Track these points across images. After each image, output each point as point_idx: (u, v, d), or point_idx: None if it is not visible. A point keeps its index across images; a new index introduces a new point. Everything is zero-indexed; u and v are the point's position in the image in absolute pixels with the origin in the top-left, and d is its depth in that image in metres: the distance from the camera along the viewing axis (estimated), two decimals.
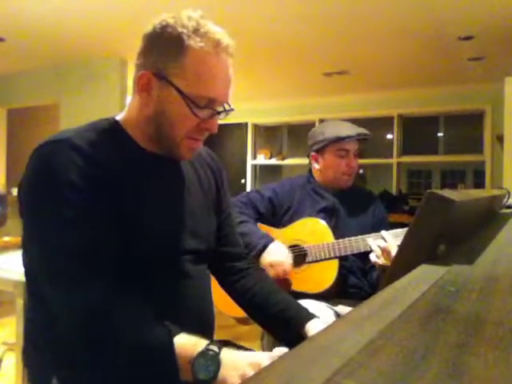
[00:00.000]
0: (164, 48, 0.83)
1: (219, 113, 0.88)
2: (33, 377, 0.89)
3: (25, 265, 0.88)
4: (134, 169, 0.87)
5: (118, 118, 0.92)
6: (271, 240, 1.57)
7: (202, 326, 0.93)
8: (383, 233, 1.50)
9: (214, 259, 1.05)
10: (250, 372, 0.69)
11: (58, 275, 0.75)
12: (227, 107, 0.90)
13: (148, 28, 0.86)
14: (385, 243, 1.48)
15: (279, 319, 1.01)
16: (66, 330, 0.75)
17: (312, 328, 0.97)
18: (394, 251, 1.45)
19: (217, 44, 0.84)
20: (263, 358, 0.73)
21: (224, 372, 0.69)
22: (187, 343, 0.72)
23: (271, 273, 1.53)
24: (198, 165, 1.03)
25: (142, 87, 0.86)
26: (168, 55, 0.83)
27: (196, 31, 0.83)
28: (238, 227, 1.55)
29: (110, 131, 0.88)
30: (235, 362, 0.71)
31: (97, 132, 0.85)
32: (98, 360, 0.73)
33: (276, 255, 1.54)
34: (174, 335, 0.72)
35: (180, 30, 0.82)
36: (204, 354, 0.70)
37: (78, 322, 0.73)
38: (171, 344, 0.71)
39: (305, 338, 0.94)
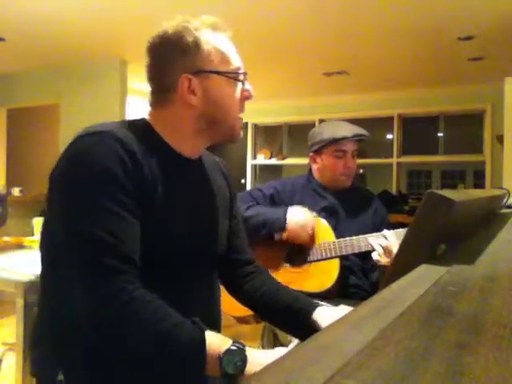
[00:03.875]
0: (183, 48, 0.90)
1: (245, 74, 0.96)
2: (37, 371, 0.89)
3: (43, 255, 0.88)
4: (164, 168, 0.88)
5: (148, 119, 0.95)
6: (286, 209, 1.61)
7: (211, 326, 0.94)
8: (385, 232, 1.51)
9: (223, 265, 1.07)
10: None
11: (88, 264, 0.74)
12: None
13: (156, 38, 0.92)
14: (387, 242, 1.48)
15: (288, 313, 1.03)
16: (92, 318, 0.74)
17: (319, 315, 0.99)
18: (395, 250, 1.45)
19: (214, 25, 0.94)
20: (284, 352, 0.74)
21: (250, 367, 0.74)
22: (214, 340, 0.75)
23: (302, 235, 1.59)
24: (213, 170, 1.06)
25: (188, 91, 0.90)
26: (189, 52, 0.90)
27: (198, 24, 0.92)
28: (247, 212, 1.60)
29: (144, 130, 0.91)
30: (259, 358, 0.75)
31: (132, 130, 0.88)
32: (123, 350, 0.75)
33: (300, 217, 1.60)
34: (204, 331, 0.75)
35: (190, 28, 0.91)
36: (231, 350, 0.74)
37: (105, 312, 0.73)
38: (203, 340, 0.73)
39: (313, 327, 0.96)
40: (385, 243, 1.48)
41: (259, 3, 3.07)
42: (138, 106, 4.74)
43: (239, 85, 0.94)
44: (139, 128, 0.90)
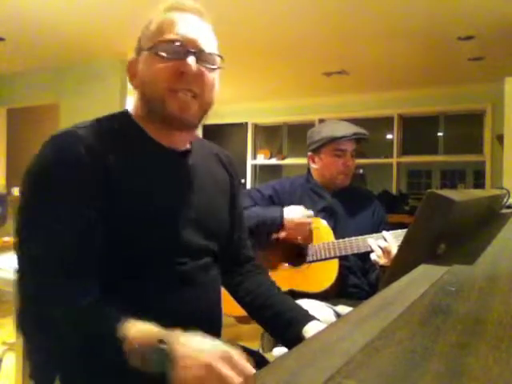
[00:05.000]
0: (141, 33, 0.90)
1: (190, 53, 0.84)
2: (36, 376, 0.88)
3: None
4: (140, 159, 0.86)
5: (129, 109, 0.93)
6: (282, 208, 1.62)
7: (207, 331, 0.91)
8: (384, 233, 1.51)
9: (223, 261, 1.04)
10: (211, 359, 0.64)
11: (36, 272, 0.75)
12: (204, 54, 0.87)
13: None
14: (385, 243, 1.48)
15: (279, 320, 1.01)
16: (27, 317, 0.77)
17: (311, 329, 0.96)
18: (394, 251, 1.45)
19: (171, 6, 0.89)
20: (221, 347, 0.67)
21: (180, 362, 0.64)
22: (140, 334, 0.67)
23: (299, 233, 1.61)
24: (214, 163, 1.02)
25: (131, 77, 0.90)
26: (141, 34, 0.89)
27: (160, 8, 0.89)
28: (245, 211, 1.59)
29: (122, 122, 0.89)
30: (191, 352, 0.65)
31: (109, 123, 0.86)
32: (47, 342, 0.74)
33: (296, 215, 1.60)
34: (123, 323, 0.68)
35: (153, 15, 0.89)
36: (157, 348, 0.65)
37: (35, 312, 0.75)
38: (121, 336, 0.67)
39: (303, 339, 0.91)
40: (384, 244, 1.48)
41: (259, 3, 3.07)
42: None
43: (168, 53, 0.84)
44: (118, 120, 0.88)
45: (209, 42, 0.89)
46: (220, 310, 1.01)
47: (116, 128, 0.86)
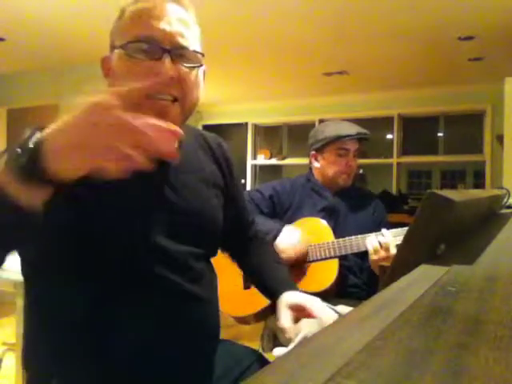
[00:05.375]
0: (112, 27, 0.82)
1: (165, 51, 0.74)
2: (31, 379, 0.86)
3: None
4: None
5: None
6: (281, 228, 1.59)
7: (205, 343, 0.88)
8: (383, 230, 1.52)
9: (224, 245, 1.05)
10: None
11: None
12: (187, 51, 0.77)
13: None
14: (384, 239, 1.49)
15: (266, 290, 1.04)
16: None
17: (281, 299, 0.95)
18: (392, 249, 1.46)
19: None
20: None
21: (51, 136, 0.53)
22: None
23: (284, 257, 1.54)
24: (201, 155, 0.93)
25: (105, 74, 0.83)
26: (112, 29, 0.82)
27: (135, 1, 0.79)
28: None
29: None
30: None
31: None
32: None
33: (287, 241, 1.56)
34: None
35: (123, 7, 0.81)
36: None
37: None
38: None
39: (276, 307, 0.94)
40: (383, 240, 1.49)
41: (259, 3, 3.07)
42: None
43: (139, 53, 0.74)
44: None
45: (189, 36, 0.79)
46: (217, 311, 0.95)
47: None
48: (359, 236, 1.56)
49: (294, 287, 0.99)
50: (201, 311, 0.86)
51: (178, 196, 0.84)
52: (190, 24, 0.80)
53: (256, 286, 1.09)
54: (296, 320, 0.90)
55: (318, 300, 0.93)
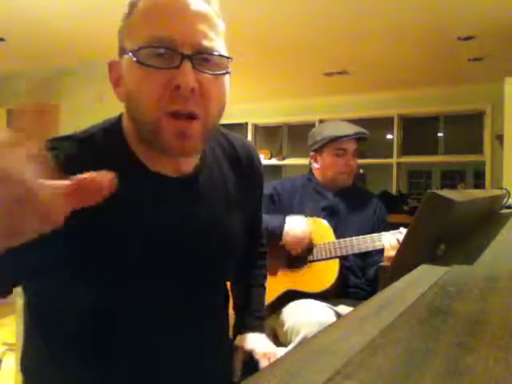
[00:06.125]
0: (120, 27, 0.70)
1: (185, 57, 0.63)
2: (29, 382, 0.84)
3: None
4: (121, 187, 0.66)
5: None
6: (284, 219, 1.60)
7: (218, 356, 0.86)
8: (401, 229, 1.53)
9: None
10: None
11: None
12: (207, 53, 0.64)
13: None
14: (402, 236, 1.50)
15: (235, 313, 1.01)
16: None
17: (239, 341, 0.95)
18: None
19: None
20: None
21: None
22: None
23: (299, 247, 1.57)
24: (227, 168, 0.83)
25: (114, 84, 0.71)
26: (121, 29, 0.69)
27: None
28: None
29: (111, 138, 0.71)
30: None
31: (97, 138, 0.70)
32: None
33: (297, 230, 1.57)
34: None
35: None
36: None
37: None
38: None
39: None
40: (401, 237, 1.50)
41: (259, 3, 3.07)
42: None
43: (157, 61, 0.63)
44: (108, 136, 0.71)
45: (214, 36, 0.66)
46: (228, 343, 0.95)
47: (102, 148, 0.69)
48: (360, 237, 1.57)
49: (257, 328, 0.98)
50: (212, 347, 0.84)
51: (206, 241, 0.77)
52: (214, 20, 0.67)
53: (233, 306, 1.04)
54: (246, 362, 0.91)
55: (268, 348, 0.94)
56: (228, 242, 0.81)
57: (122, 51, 0.68)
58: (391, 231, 1.55)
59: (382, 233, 1.56)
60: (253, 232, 0.96)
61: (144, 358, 0.74)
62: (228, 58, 0.68)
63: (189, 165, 0.74)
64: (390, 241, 1.51)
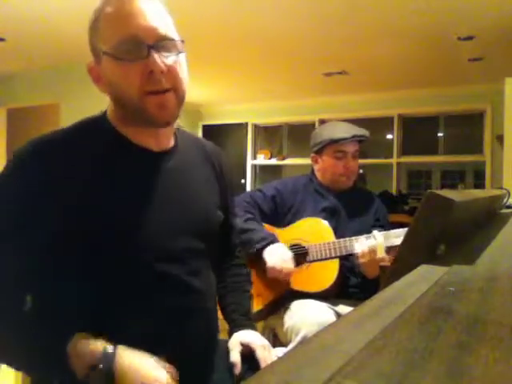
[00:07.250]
0: (90, 32, 0.84)
1: (151, 48, 0.79)
2: (34, 379, 0.87)
3: None
4: (113, 166, 0.84)
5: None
6: (272, 241, 1.57)
7: (204, 339, 0.90)
8: (375, 232, 1.52)
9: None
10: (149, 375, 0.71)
11: None
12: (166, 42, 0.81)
13: None
14: (373, 241, 1.49)
15: (226, 317, 1.07)
16: None
17: (236, 337, 1.00)
18: (380, 250, 1.46)
19: None
20: (155, 366, 0.73)
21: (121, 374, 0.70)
22: (81, 351, 0.71)
23: (270, 275, 1.54)
24: (199, 158, 0.98)
25: (95, 81, 0.86)
26: (92, 34, 0.84)
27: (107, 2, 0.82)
28: (243, 224, 1.57)
29: (97, 126, 0.87)
30: (132, 370, 0.71)
31: (78, 128, 0.86)
32: None
33: (275, 258, 1.54)
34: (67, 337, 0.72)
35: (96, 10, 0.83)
36: (98, 368, 0.69)
37: None
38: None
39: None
40: (371, 243, 1.49)
41: (259, 3, 3.07)
42: None
43: (130, 55, 0.79)
44: (94, 124, 0.88)
45: (165, 25, 0.82)
46: (217, 321, 0.99)
47: (90, 134, 0.85)
48: (353, 238, 1.57)
49: (250, 326, 1.04)
50: (200, 305, 0.89)
51: (185, 202, 0.89)
52: (162, 14, 0.83)
53: (220, 308, 1.08)
54: (244, 355, 0.96)
55: (264, 342, 1.00)
56: (203, 212, 0.93)
57: (97, 54, 0.83)
58: (365, 235, 1.54)
59: (358, 237, 1.55)
60: (226, 227, 1.05)
61: (144, 318, 0.81)
62: (182, 41, 0.84)
63: (168, 142, 0.91)
64: (361, 247, 1.51)
